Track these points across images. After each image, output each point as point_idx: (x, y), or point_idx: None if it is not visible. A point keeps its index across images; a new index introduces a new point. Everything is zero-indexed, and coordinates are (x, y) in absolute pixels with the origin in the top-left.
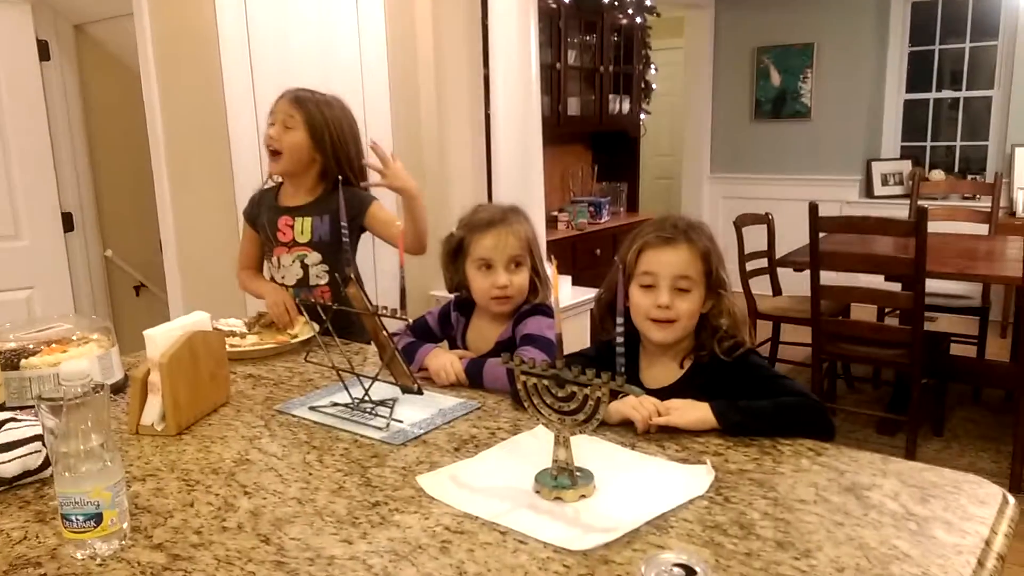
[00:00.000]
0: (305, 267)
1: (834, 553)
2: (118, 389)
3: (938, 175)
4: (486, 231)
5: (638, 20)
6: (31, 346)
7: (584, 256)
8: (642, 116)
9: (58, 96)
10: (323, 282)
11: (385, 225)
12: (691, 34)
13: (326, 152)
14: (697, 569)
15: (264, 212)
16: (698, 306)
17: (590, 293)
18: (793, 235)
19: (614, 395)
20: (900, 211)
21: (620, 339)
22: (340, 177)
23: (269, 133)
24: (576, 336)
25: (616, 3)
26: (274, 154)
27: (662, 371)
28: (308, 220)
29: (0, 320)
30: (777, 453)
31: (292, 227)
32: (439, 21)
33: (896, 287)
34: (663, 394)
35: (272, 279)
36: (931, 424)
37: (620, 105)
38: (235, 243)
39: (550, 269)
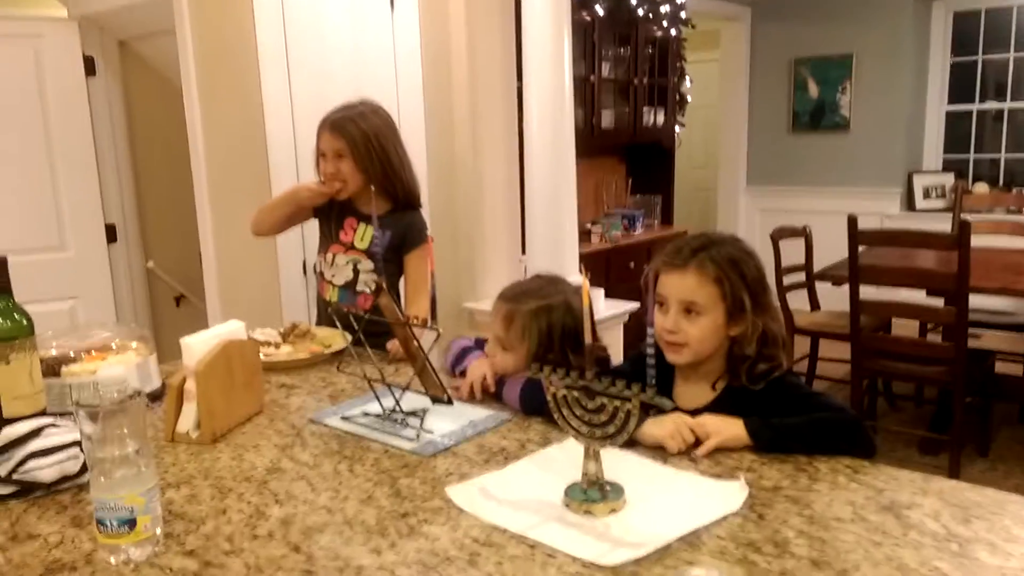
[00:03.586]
0: (356, 272)
1: (872, 573)
2: (156, 397)
3: (982, 188)
4: (496, 299)
5: (673, 32)
6: (72, 354)
7: (617, 269)
8: (677, 128)
9: (103, 110)
10: (369, 290)
11: (414, 277)
12: (727, 46)
13: (373, 169)
14: None
15: (335, 206)
16: (710, 331)
17: (624, 306)
18: (832, 249)
19: (645, 408)
20: (943, 224)
21: (650, 351)
22: (372, 187)
23: (327, 170)
24: (610, 349)
25: (651, 16)
26: (330, 184)
27: (694, 392)
28: (371, 228)
29: (43, 329)
30: (813, 470)
31: (355, 230)
32: (473, 34)
33: (939, 302)
34: (695, 415)
35: (322, 274)
36: (975, 444)
37: (655, 117)
38: (272, 253)
39: (582, 279)
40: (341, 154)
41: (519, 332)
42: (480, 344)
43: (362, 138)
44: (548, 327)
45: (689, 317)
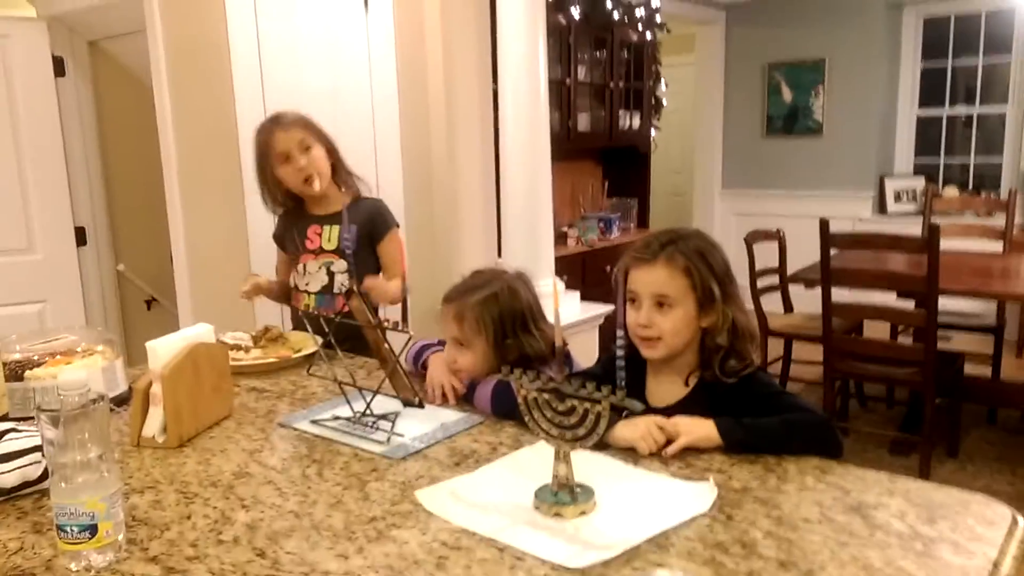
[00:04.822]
0: (331, 274)
1: (838, 573)
2: (122, 401)
3: (952, 192)
4: (441, 304)
5: (648, 36)
6: (36, 357)
7: (593, 272)
8: (652, 132)
9: (73, 111)
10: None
11: (388, 262)
12: (702, 50)
13: (331, 150)
14: None
15: (293, 225)
16: (683, 323)
17: (598, 309)
18: (805, 252)
19: (616, 411)
20: (913, 228)
21: (620, 352)
22: (341, 188)
23: (299, 165)
24: (585, 352)
25: (626, 20)
26: (308, 181)
27: (667, 389)
28: (336, 228)
29: (10, 332)
30: (782, 471)
31: (320, 235)
32: (448, 36)
33: (909, 304)
34: (667, 412)
35: (295, 286)
36: (946, 445)
37: (630, 121)
38: (245, 256)
39: (554, 284)
40: (307, 144)
41: (474, 325)
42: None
43: (312, 123)
44: (499, 314)
45: (661, 311)
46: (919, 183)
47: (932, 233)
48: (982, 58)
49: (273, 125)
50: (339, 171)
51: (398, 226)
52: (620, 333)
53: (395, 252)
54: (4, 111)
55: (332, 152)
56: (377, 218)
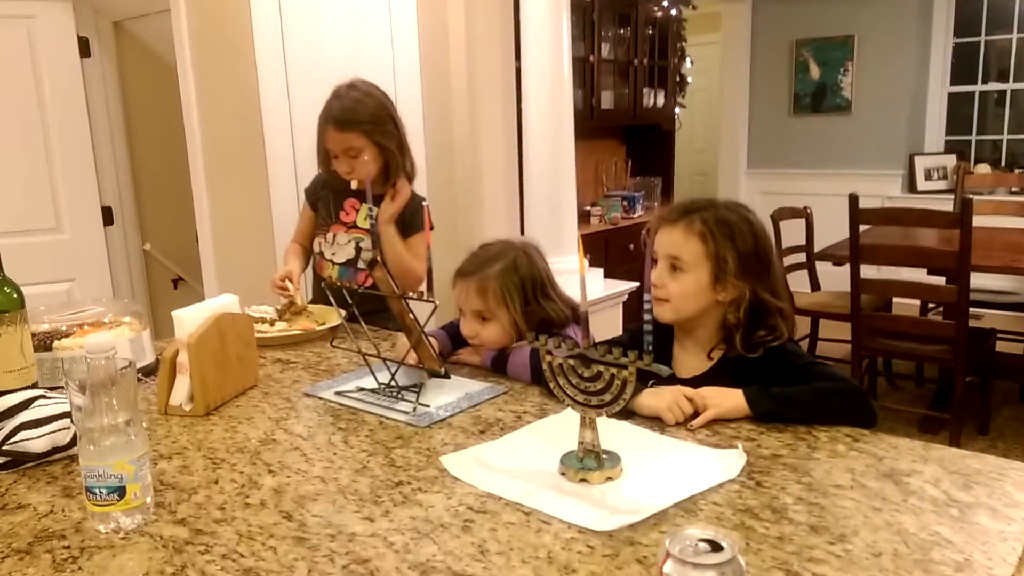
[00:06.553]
0: (359, 249)
1: (871, 538)
2: (150, 372)
3: (984, 169)
4: (456, 280)
5: (673, 13)
6: (64, 328)
7: (617, 250)
8: (677, 110)
9: (98, 92)
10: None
11: (413, 255)
12: (728, 27)
13: (391, 146)
14: (724, 544)
15: (329, 192)
16: (692, 289)
17: (622, 286)
18: (833, 231)
19: (642, 376)
20: (944, 205)
21: (647, 316)
22: (366, 157)
23: (343, 169)
24: (609, 330)
25: None
26: (349, 175)
27: (692, 361)
28: (374, 209)
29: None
30: (812, 439)
31: (357, 211)
32: (472, 14)
33: (940, 281)
34: (693, 383)
35: (321, 254)
36: (976, 423)
37: (655, 99)
38: (269, 235)
39: (579, 253)
40: (354, 153)
41: (498, 296)
42: (447, 330)
43: (376, 121)
44: (521, 282)
45: (673, 273)
46: (950, 161)
47: (965, 207)
48: (1016, 34)
49: (332, 117)
50: (390, 173)
51: (426, 209)
52: (647, 297)
53: (421, 250)
54: (31, 92)
55: (387, 153)
56: (411, 217)
